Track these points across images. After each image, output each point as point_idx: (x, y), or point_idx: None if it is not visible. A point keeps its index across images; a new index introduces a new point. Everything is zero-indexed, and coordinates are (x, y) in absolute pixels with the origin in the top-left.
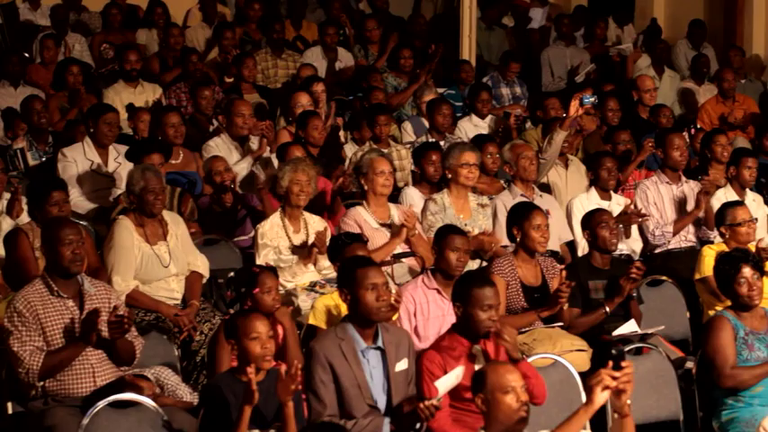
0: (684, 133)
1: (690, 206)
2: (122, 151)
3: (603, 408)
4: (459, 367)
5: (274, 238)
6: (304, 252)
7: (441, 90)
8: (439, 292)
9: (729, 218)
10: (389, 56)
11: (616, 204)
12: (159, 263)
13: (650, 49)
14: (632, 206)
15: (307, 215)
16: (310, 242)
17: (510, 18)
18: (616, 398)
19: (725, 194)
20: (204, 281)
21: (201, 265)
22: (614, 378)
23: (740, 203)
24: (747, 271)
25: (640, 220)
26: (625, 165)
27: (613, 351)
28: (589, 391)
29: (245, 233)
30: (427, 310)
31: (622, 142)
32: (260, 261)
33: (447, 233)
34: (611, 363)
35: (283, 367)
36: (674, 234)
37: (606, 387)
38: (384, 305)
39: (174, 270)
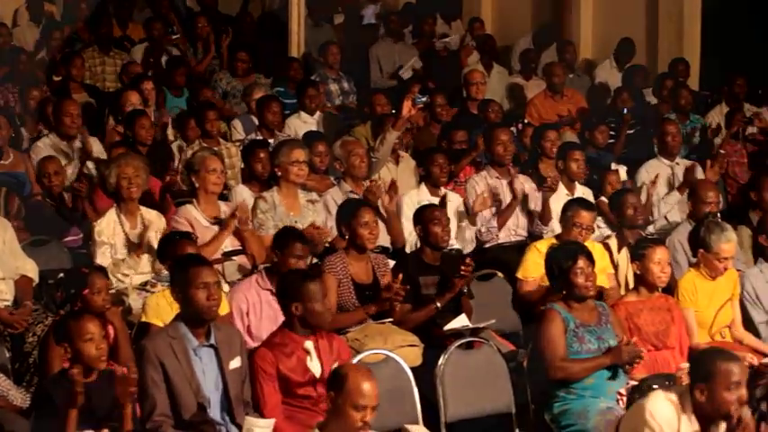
0: (513, 128)
1: (532, 204)
2: None
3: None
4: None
5: (111, 235)
6: (139, 248)
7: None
8: (272, 292)
9: (572, 213)
10: (223, 55)
11: (447, 201)
12: None
13: (478, 45)
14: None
15: (144, 210)
16: (146, 239)
17: (341, 15)
18: None
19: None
20: (34, 284)
21: (31, 269)
22: None
23: (589, 208)
24: (583, 262)
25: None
26: (458, 161)
27: None
28: None
29: (74, 233)
30: (260, 310)
31: (458, 142)
32: (97, 259)
33: (288, 239)
34: None
35: (122, 370)
36: (500, 228)
37: None
38: (215, 304)
39: (1, 274)
